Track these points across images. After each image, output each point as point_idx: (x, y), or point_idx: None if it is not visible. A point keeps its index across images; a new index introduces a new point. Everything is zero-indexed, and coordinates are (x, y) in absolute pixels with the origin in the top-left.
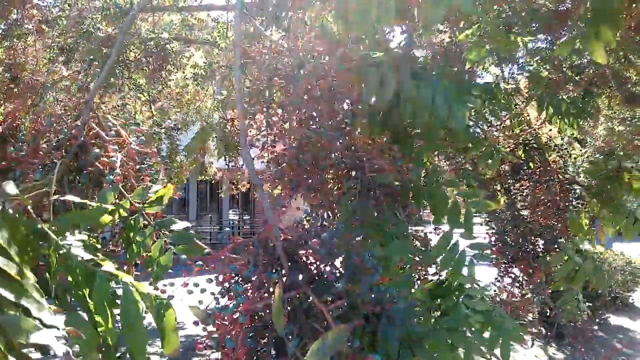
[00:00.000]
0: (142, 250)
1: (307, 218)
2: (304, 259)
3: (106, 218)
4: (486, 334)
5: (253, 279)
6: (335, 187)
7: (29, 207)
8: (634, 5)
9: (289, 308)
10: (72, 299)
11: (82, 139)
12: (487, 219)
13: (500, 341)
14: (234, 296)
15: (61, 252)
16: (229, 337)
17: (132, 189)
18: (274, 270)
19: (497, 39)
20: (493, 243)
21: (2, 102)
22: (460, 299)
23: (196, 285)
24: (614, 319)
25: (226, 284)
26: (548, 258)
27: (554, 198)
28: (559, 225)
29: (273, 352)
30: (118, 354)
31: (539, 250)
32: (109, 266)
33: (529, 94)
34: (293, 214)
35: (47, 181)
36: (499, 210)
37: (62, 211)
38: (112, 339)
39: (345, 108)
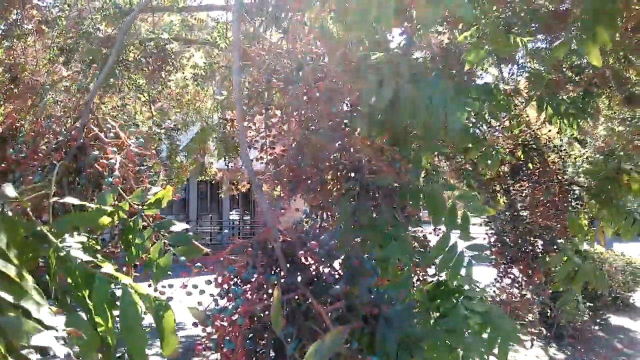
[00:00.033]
0: (142, 251)
1: (306, 219)
2: (303, 260)
3: (105, 220)
4: (485, 335)
5: (252, 280)
6: (334, 188)
7: (28, 209)
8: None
9: (287, 310)
10: (72, 300)
11: (82, 140)
12: (486, 220)
13: (498, 342)
14: (233, 298)
15: (60, 254)
16: (227, 338)
17: (132, 190)
18: (272, 272)
19: (497, 40)
20: (492, 244)
21: (2, 102)
22: (460, 300)
23: (195, 286)
24: (615, 319)
25: (225, 286)
26: (547, 259)
27: (553, 199)
28: (558, 226)
29: (272, 353)
30: (117, 355)
31: (538, 250)
32: (108, 268)
33: (529, 94)
34: (292, 215)
35: (47, 183)
36: (499, 211)
37: (61, 212)
38: (112, 340)
39: (344, 109)
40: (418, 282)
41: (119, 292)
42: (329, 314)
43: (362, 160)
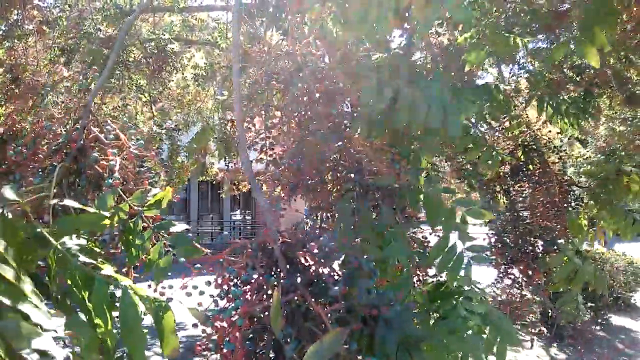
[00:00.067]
0: (142, 252)
1: (306, 220)
2: (303, 261)
3: (105, 222)
4: (484, 336)
5: (252, 281)
6: (334, 189)
7: (28, 210)
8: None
9: (287, 311)
10: (72, 302)
11: (82, 142)
12: (486, 220)
13: (497, 343)
14: (233, 299)
15: (60, 255)
16: (227, 339)
17: (132, 191)
18: (272, 273)
19: (497, 41)
20: (493, 244)
21: (3, 103)
22: (459, 302)
23: (195, 287)
24: (616, 319)
25: (225, 287)
26: (547, 259)
27: (553, 199)
28: (558, 226)
29: (271, 354)
30: (117, 355)
31: (538, 251)
32: (108, 270)
33: (530, 94)
34: (292, 217)
35: (47, 184)
36: (499, 212)
37: (62, 214)
38: (111, 341)
39: (344, 110)
40: (418, 283)
41: (118, 293)
42: (329, 315)
43: (362, 162)
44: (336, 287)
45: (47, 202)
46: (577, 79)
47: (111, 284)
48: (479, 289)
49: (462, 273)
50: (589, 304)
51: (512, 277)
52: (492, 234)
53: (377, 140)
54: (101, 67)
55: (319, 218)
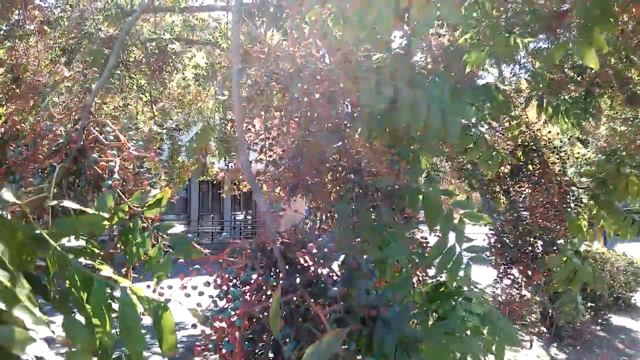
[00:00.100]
0: (141, 253)
1: (306, 221)
2: (302, 262)
3: (104, 223)
4: (483, 336)
5: (251, 282)
6: (333, 190)
7: (27, 211)
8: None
9: (285, 311)
10: (70, 303)
11: (82, 143)
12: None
13: (495, 343)
14: (232, 299)
15: (59, 257)
16: (226, 339)
17: (132, 192)
18: (271, 274)
19: (497, 41)
20: (492, 244)
21: (4, 103)
22: (458, 302)
23: (194, 287)
24: (616, 319)
25: (224, 287)
26: (547, 259)
27: (552, 200)
28: (558, 227)
29: (270, 354)
30: (115, 356)
31: (538, 251)
32: (106, 271)
33: (530, 94)
34: (292, 217)
35: (47, 185)
36: (499, 212)
37: (61, 214)
38: (110, 342)
39: (344, 111)
40: (417, 284)
41: (117, 294)
42: (327, 316)
43: (361, 162)
44: (335, 288)
45: (47, 202)
46: (578, 79)
47: (110, 285)
48: (478, 289)
49: (461, 273)
50: (589, 304)
51: (512, 277)
52: (491, 234)
53: (376, 140)
54: (102, 67)
55: (318, 218)
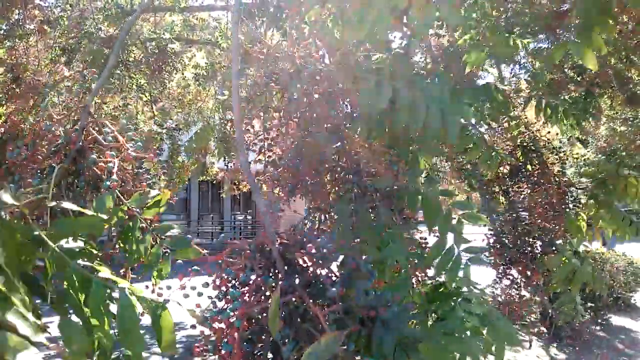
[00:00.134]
0: (140, 254)
1: (305, 222)
2: (301, 262)
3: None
4: (482, 336)
5: (250, 282)
6: (333, 191)
7: (26, 212)
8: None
9: (284, 312)
10: (67, 304)
11: (81, 143)
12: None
13: (495, 345)
14: (231, 300)
15: (58, 258)
16: (225, 340)
17: (131, 192)
18: (270, 274)
19: (496, 42)
20: (491, 245)
21: (4, 102)
22: (458, 303)
23: (193, 288)
24: (616, 320)
25: (223, 288)
26: (546, 260)
27: (551, 200)
28: (557, 227)
29: (269, 355)
30: (113, 357)
31: (537, 252)
32: (105, 272)
33: (530, 94)
34: (291, 217)
35: (46, 186)
36: (498, 212)
37: (60, 215)
38: (108, 343)
39: (343, 111)
40: (417, 284)
41: (115, 294)
42: (326, 317)
43: (361, 163)
44: (334, 289)
45: (46, 203)
46: (578, 79)
47: (109, 287)
48: (478, 289)
49: (460, 274)
50: (589, 304)
51: (511, 277)
52: (491, 234)
53: (376, 141)
54: (102, 67)
55: (317, 219)
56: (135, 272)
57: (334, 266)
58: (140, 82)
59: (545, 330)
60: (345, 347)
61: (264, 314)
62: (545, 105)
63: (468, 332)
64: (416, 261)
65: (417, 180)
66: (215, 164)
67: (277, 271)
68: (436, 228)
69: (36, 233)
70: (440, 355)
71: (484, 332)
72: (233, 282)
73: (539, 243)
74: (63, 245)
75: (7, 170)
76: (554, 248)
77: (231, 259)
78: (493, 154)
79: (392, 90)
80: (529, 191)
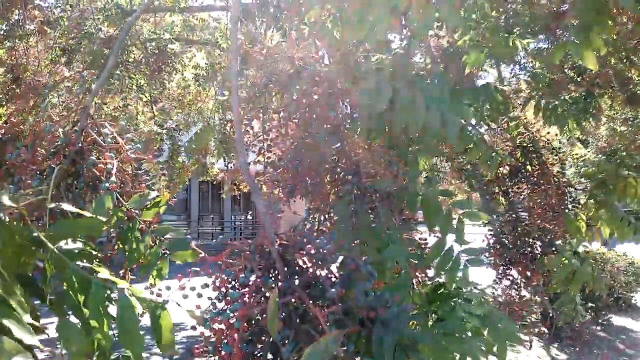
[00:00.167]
0: (140, 255)
1: (304, 223)
2: (300, 263)
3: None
4: (483, 337)
5: (249, 284)
6: (332, 191)
7: (25, 214)
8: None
9: (284, 313)
10: (66, 305)
11: (80, 144)
12: (485, 221)
13: (496, 345)
14: (231, 301)
15: (57, 259)
16: (225, 341)
17: (130, 194)
18: (270, 275)
19: (496, 42)
20: (491, 245)
21: (4, 103)
22: (458, 303)
23: (192, 289)
24: (617, 320)
25: (223, 289)
26: (546, 260)
27: (550, 201)
28: (556, 228)
29: (269, 356)
30: (113, 357)
31: (537, 252)
32: (104, 273)
33: (530, 94)
34: (291, 219)
35: (46, 187)
36: (498, 213)
37: (60, 216)
38: (108, 344)
39: (343, 112)
40: (417, 285)
41: (114, 295)
42: (326, 317)
43: (360, 164)
44: (334, 289)
45: (45, 204)
46: (578, 79)
47: (108, 287)
48: (479, 290)
49: (459, 274)
50: (590, 305)
51: (511, 278)
52: (490, 235)
53: (375, 142)
54: (102, 67)
55: (317, 220)
56: (134, 273)
57: (333, 267)
58: (140, 83)
59: (545, 330)
60: (345, 348)
61: (264, 315)
62: (544, 106)
63: (469, 333)
64: (416, 262)
65: (417, 181)
66: (215, 165)
67: (276, 272)
68: (437, 228)
69: (35, 234)
70: (440, 355)
71: (485, 332)
72: (233, 283)
73: (538, 243)
74: (62, 246)
75: (6, 171)
76: (553, 248)
77: (231, 260)
78: (493, 154)
79: (392, 91)
80: (528, 192)
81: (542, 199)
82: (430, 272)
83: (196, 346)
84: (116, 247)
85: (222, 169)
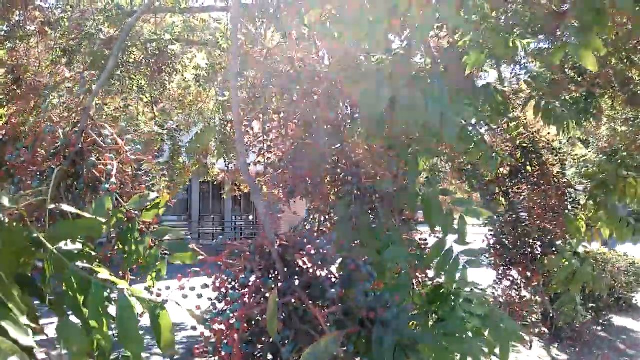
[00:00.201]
0: (139, 255)
1: (305, 223)
2: (300, 264)
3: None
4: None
5: (249, 284)
6: (332, 192)
7: (25, 215)
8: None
9: (284, 313)
10: (65, 305)
11: (80, 145)
12: (485, 222)
13: (499, 345)
14: (231, 302)
15: (56, 260)
16: (225, 342)
17: (130, 194)
18: (270, 276)
19: (495, 43)
20: (491, 246)
21: (5, 103)
22: (458, 304)
23: (192, 289)
24: (618, 320)
25: (223, 290)
26: (546, 261)
27: (550, 201)
28: (556, 228)
29: (269, 356)
30: (112, 357)
31: (537, 253)
32: (104, 274)
33: (531, 94)
34: (291, 219)
35: (45, 188)
36: (498, 213)
37: (59, 217)
38: (107, 344)
39: (343, 112)
40: (417, 285)
41: (114, 296)
42: (326, 318)
43: (360, 164)
44: (333, 290)
45: (45, 205)
46: (579, 79)
47: (107, 288)
48: (480, 290)
49: (458, 275)
50: (591, 305)
51: (511, 278)
52: (491, 235)
53: (375, 142)
54: (103, 68)
55: (317, 221)
56: (134, 273)
57: (333, 268)
58: (141, 84)
59: (546, 330)
60: (344, 349)
61: (264, 316)
62: (544, 107)
63: (469, 333)
64: (416, 262)
65: (417, 181)
66: (216, 165)
67: (276, 273)
68: (438, 229)
69: (35, 235)
70: (441, 356)
71: (486, 333)
72: (233, 283)
73: (538, 244)
74: (62, 247)
75: (7, 172)
76: (554, 249)
77: (231, 261)
78: (493, 155)
79: (392, 91)
80: (528, 192)
81: (542, 200)
82: (431, 273)
83: (196, 346)
84: (116, 247)
85: (223, 169)
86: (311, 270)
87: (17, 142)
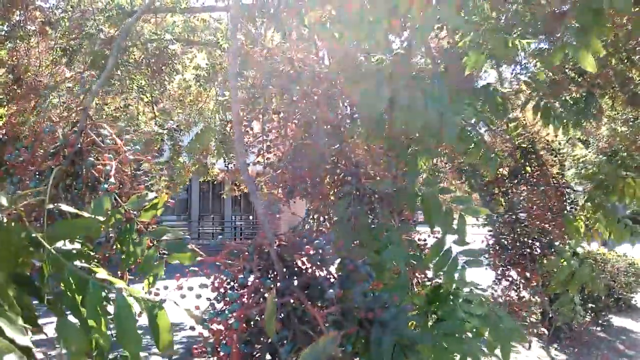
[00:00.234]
0: (137, 256)
1: (304, 223)
2: (299, 264)
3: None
4: (485, 337)
5: (248, 284)
6: (331, 192)
7: (23, 215)
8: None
9: (283, 313)
10: (64, 305)
11: (79, 145)
12: (484, 222)
13: (499, 344)
14: (229, 302)
15: (55, 259)
16: (224, 342)
17: (129, 194)
18: (268, 276)
19: (495, 43)
20: (490, 246)
21: (5, 103)
22: (458, 304)
23: (190, 289)
24: (617, 320)
25: (221, 290)
26: (545, 261)
27: (548, 202)
28: (555, 229)
29: (268, 357)
30: (110, 357)
31: (536, 253)
32: (102, 274)
33: (531, 94)
34: (290, 219)
35: (44, 188)
36: (497, 214)
37: (58, 217)
38: (105, 344)
39: (342, 113)
40: (417, 286)
41: (112, 295)
42: (324, 318)
43: (359, 165)
44: (332, 290)
45: (44, 205)
46: (579, 79)
47: (105, 287)
48: (480, 289)
49: (456, 276)
50: (590, 305)
51: (510, 278)
52: (490, 235)
53: (375, 142)
54: (103, 68)
55: (316, 221)
56: (132, 273)
57: (332, 268)
58: (141, 83)
59: (545, 331)
60: (343, 349)
61: (262, 316)
62: (543, 107)
63: (469, 333)
64: (415, 263)
65: (416, 181)
66: (216, 165)
67: (275, 273)
68: (438, 229)
69: (33, 235)
70: (440, 356)
71: (486, 333)
72: (231, 283)
73: (538, 244)
74: (60, 247)
75: (6, 171)
76: (552, 249)
77: (230, 261)
78: (493, 155)
79: (392, 91)
80: (527, 193)
81: (542, 200)
82: (430, 273)
83: (195, 346)
84: (114, 247)
85: (223, 169)
86: (310, 271)
87: (17, 142)
